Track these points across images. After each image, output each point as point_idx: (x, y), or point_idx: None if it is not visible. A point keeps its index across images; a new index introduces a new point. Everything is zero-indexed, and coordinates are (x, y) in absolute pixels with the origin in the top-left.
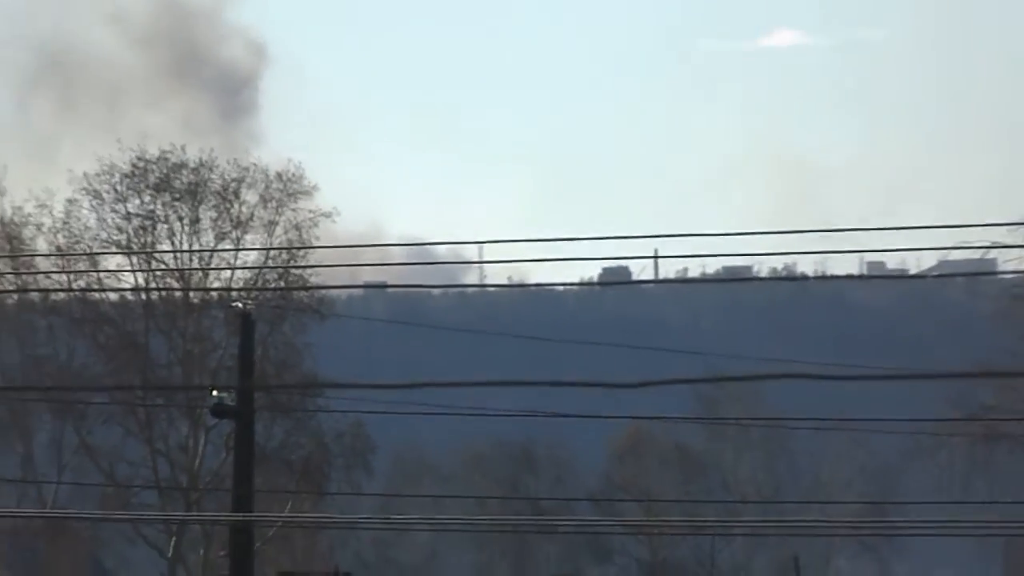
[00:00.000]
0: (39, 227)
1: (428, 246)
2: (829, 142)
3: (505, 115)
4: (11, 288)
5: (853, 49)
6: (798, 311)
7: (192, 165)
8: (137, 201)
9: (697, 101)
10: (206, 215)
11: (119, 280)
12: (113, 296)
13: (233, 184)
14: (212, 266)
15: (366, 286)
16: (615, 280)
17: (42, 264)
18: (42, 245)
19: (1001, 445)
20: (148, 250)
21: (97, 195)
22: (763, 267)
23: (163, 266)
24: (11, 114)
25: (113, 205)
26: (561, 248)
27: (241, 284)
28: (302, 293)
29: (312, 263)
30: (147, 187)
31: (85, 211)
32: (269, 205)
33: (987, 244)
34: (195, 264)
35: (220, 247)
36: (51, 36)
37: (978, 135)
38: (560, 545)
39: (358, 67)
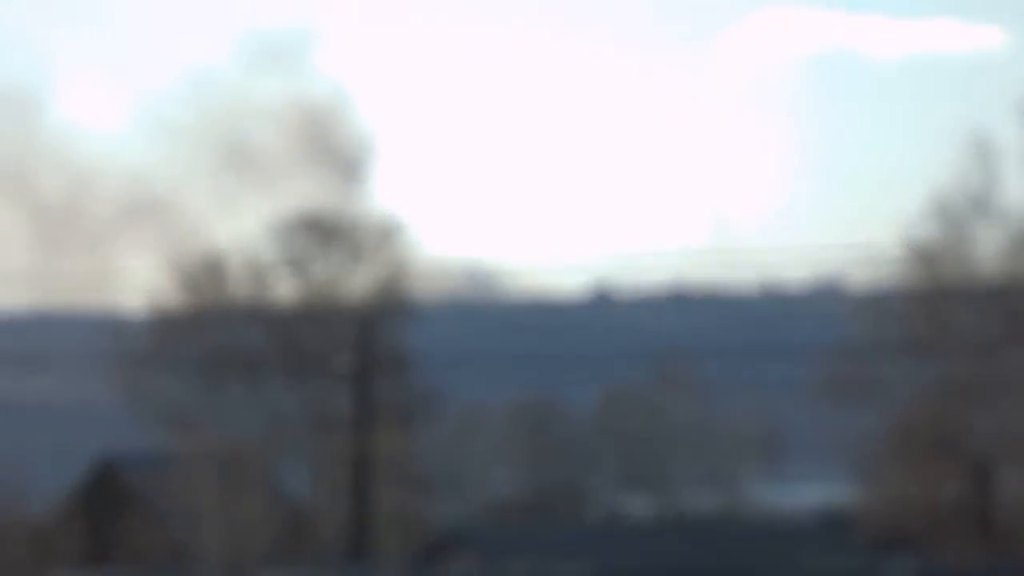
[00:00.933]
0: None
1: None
2: None
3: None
4: (214, 298)
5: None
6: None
7: (331, 216)
8: (298, 240)
9: None
10: (339, 248)
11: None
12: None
13: (357, 226)
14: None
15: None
16: (600, 295)
17: (235, 281)
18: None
19: (853, 400)
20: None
21: (275, 235)
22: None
23: (315, 282)
24: (208, 184)
25: (283, 241)
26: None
27: (361, 295)
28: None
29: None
30: (305, 230)
31: (265, 245)
32: (380, 241)
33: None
34: (331, 280)
35: (348, 270)
36: (234, 131)
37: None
38: (565, 463)
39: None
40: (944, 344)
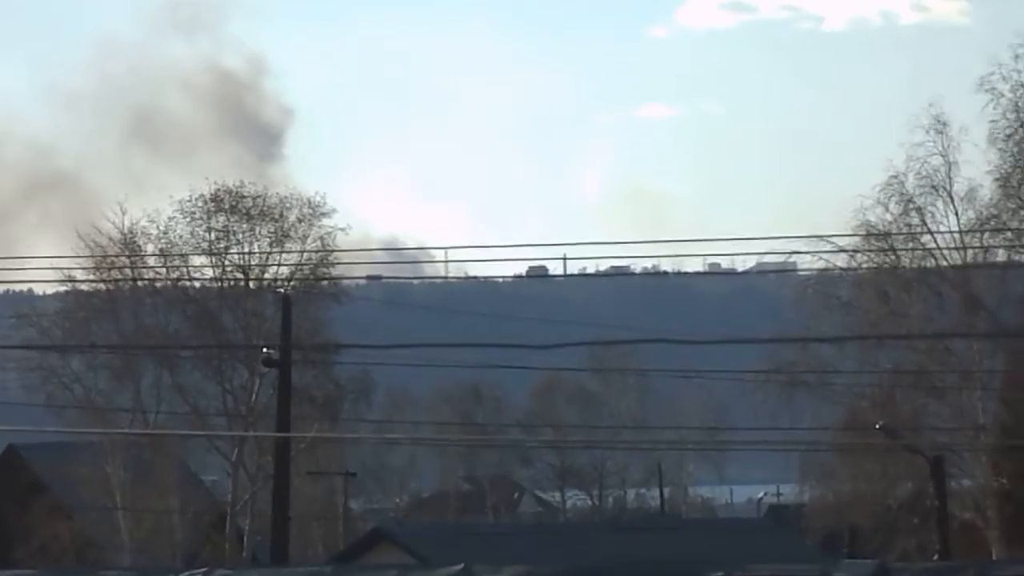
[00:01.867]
0: (148, 236)
1: (408, 250)
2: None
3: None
4: (128, 278)
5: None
6: (661, 297)
7: (253, 194)
8: (216, 219)
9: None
10: (263, 229)
11: (202, 273)
12: (197, 284)
13: (279, 207)
14: (265, 264)
15: (368, 278)
16: (537, 275)
17: (149, 261)
18: (150, 248)
19: (800, 390)
20: (222, 252)
21: (190, 214)
22: (638, 266)
23: (232, 264)
24: (116, 158)
25: (200, 221)
26: (500, 251)
27: (284, 277)
28: (325, 283)
29: (332, 263)
30: (223, 209)
31: (181, 225)
32: (304, 222)
33: (789, 251)
34: (254, 263)
35: (271, 251)
36: (145, 100)
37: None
38: (497, 455)
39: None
40: (898, 331)
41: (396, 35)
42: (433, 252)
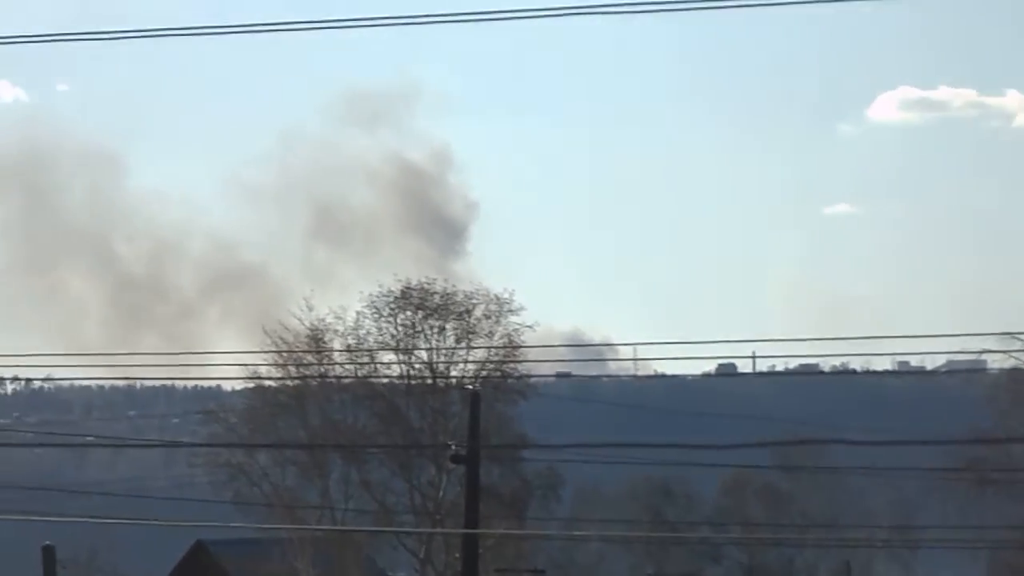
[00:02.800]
0: (335, 331)
1: (595, 346)
2: (864, 279)
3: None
4: (316, 375)
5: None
6: (850, 395)
7: (441, 291)
8: (404, 315)
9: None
10: (449, 325)
11: (389, 369)
12: (385, 380)
13: (465, 303)
14: (452, 360)
15: (557, 375)
16: (727, 372)
17: (337, 357)
18: (336, 344)
19: (989, 488)
20: (409, 348)
21: (377, 310)
22: (826, 364)
23: (419, 360)
24: (298, 252)
25: (387, 317)
26: (686, 349)
27: (471, 374)
28: (512, 380)
29: (519, 359)
30: (411, 306)
31: (368, 321)
32: (490, 318)
33: (980, 350)
34: (440, 359)
35: (458, 347)
36: (327, 193)
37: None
38: (686, 552)
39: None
40: None
41: (576, 124)
42: (619, 348)
